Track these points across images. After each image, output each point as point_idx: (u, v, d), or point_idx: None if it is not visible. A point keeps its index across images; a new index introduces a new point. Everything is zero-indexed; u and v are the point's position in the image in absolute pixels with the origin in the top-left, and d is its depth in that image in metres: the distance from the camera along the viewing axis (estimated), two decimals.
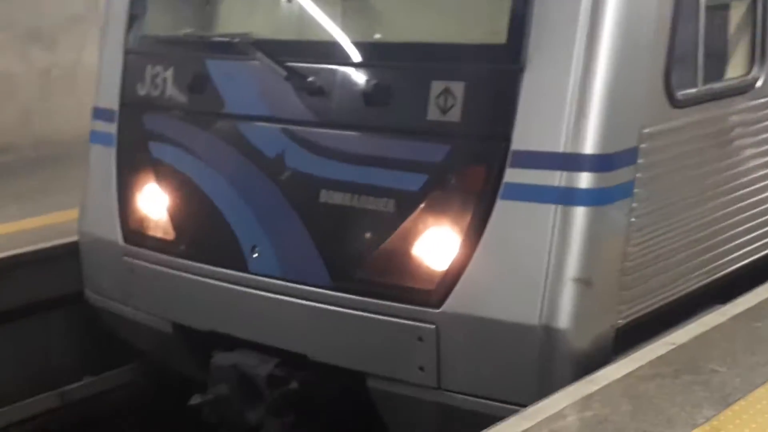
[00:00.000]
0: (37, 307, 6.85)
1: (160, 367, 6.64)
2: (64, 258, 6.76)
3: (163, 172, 6.00)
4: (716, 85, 5.43)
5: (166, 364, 6.47)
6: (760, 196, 5.83)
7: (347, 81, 5.32)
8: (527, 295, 4.66)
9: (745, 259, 5.77)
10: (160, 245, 5.98)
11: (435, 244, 4.92)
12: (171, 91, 6.06)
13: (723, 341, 4.88)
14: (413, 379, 4.95)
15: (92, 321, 6.75)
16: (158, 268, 5.97)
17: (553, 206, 4.64)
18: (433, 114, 4.96)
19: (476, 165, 4.88)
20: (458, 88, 4.90)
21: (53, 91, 9.91)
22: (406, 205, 5.00)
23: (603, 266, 4.73)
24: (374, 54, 5.39)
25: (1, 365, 6.70)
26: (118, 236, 6.19)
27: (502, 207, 4.75)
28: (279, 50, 5.56)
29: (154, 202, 6.03)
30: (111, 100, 6.39)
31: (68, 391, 6.94)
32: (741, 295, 5.49)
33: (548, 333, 4.61)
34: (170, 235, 5.93)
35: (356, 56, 5.35)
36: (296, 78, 5.39)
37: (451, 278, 4.84)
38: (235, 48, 5.73)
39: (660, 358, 4.67)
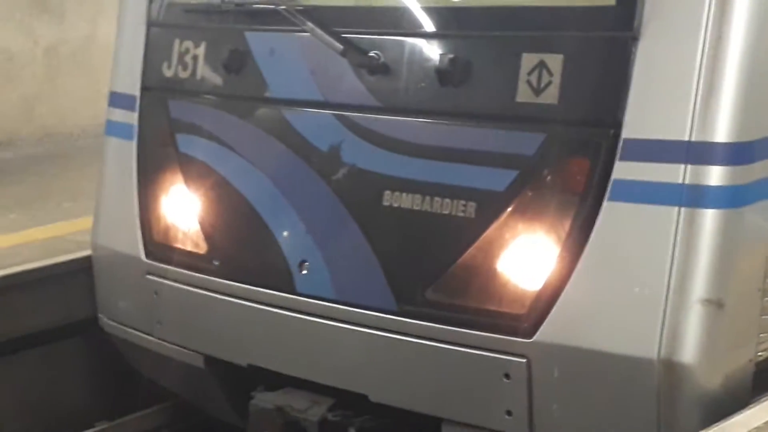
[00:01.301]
0: (41, 336, 6.92)
1: (190, 409, 6.66)
2: (74, 277, 6.82)
3: (194, 171, 6.03)
4: None
5: (197, 405, 6.50)
6: None
7: (417, 55, 5.30)
8: (643, 321, 4.58)
9: None
10: (189, 261, 6.01)
11: (526, 257, 4.87)
12: (203, 71, 6.09)
13: None
14: (499, 426, 4.91)
15: (107, 353, 6.80)
16: (188, 289, 6.00)
17: (675, 209, 4.56)
18: (524, 95, 4.91)
19: (578, 158, 4.82)
20: (555, 62, 4.85)
21: (61, 72, 9.98)
22: (490, 208, 4.96)
23: (740, 284, 4.64)
24: (451, 21, 5.38)
25: None
26: (139, 251, 6.22)
27: (610, 210, 4.68)
28: (334, 19, 5.57)
29: (182, 209, 6.07)
30: (131, 84, 6.46)
31: None
32: None
33: (670, 369, 4.51)
34: (202, 249, 5.96)
35: (428, 24, 5.33)
36: (355, 53, 5.38)
37: (546, 300, 4.78)
38: (281, 17, 5.71)
39: None
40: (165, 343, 6.17)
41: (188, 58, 6.12)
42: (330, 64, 5.49)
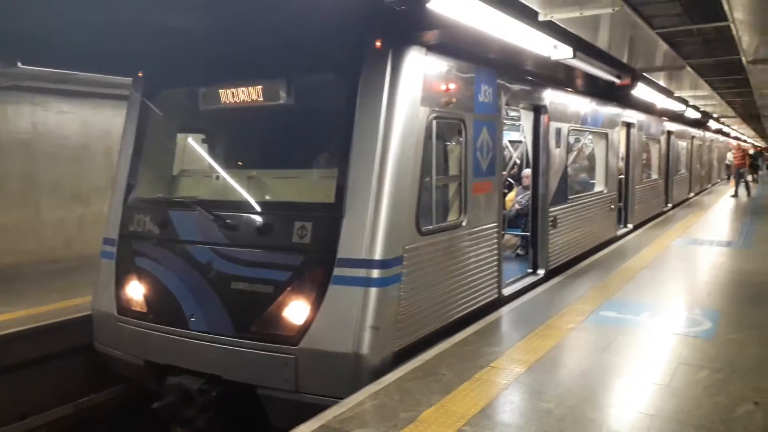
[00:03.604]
0: (66, 353, 6.23)
1: (137, 386, 6.03)
2: (83, 324, 6.12)
3: (142, 273, 5.61)
4: (443, 224, 5.52)
5: (140, 384, 5.90)
6: (467, 279, 5.87)
7: (249, 221, 5.16)
8: (345, 336, 4.55)
9: (461, 313, 5.78)
10: (138, 314, 5.55)
11: (295, 310, 4.77)
12: (149, 227, 5.73)
13: (448, 357, 4.92)
14: (282, 386, 4.72)
15: (98, 360, 6.13)
16: (136, 328, 5.53)
17: (360, 288, 4.60)
18: (295, 239, 4.87)
19: (318, 266, 4.76)
20: (309, 225, 4.86)
21: (85, 228, 9.38)
22: (280, 289, 4.83)
23: (385, 319, 4.67)
24: (264, 207, 5.26)
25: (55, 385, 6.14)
26: (114, 310, 5.73)
27: (332, 289, 4.67)
28: (210, 205, 5.40)
29: (135, 291, 5.62)
30: (114, 233, 5.99)
31: (83, 402, 6.36)
32: (460, 331, 5.56)
33: (357, 357, 4.51)
34: (144, 308, 5.53)
35: (254, 208, 5.24)
36: (219, 220, 5.24)
37: (304, 328, 4.68)
38: (186, 205, 5.54)
39: (416, 368, 4.66)
40: (125, 354, 5.65)
41: (142, 221, 5.78)
42: (207, 224, 5.28)
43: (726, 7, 4.83)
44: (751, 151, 25.78)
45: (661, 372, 4.63)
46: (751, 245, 10.62)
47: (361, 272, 4.61)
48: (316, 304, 4.68)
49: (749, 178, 22.07)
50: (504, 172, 10.08)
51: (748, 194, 20.57)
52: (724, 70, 9.56)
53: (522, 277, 7.58)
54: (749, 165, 22.50)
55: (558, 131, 7.99)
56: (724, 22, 5.64)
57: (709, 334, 5.55)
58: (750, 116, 22.54)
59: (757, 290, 7.26)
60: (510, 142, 12.50)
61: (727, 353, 5.03)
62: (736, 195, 20.52)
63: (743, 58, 7.77)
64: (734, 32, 5.92)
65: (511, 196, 10.03)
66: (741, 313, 6.29)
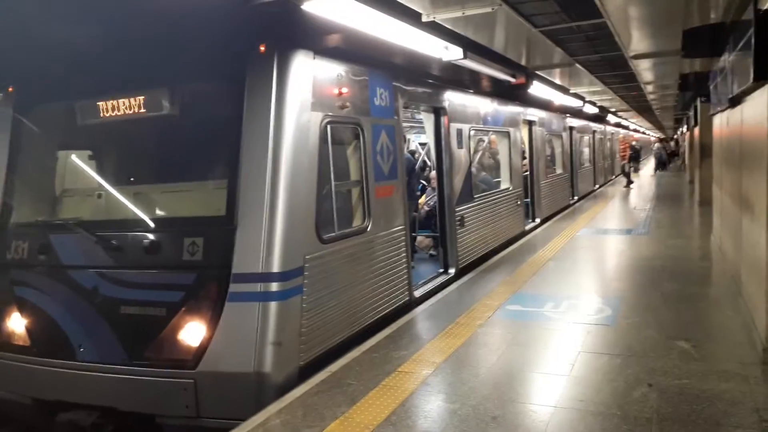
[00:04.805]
0: None
1: (25, 426, 5.53)
2: None
3: (23, 304, 5.18)
4: (346, 230, 5.43)
5: (28, 423, 5.41)
6: (375, 285, 5.80)
7: (135, 241, 4.87)
8: (246, 355, 4.35)
9: (371, 319, 5.70)
10: (20, 349, 5.11)
11: (191, 331, 4.52)
12: (28, 254, 5.31)
13: (356, 365, 4.83)
14: (183, 413, 4.46)
15: None
16: (20, 363, 5.08)
17: (257, 303, 4.42)
18: (186, 256, 4.65)
19: (212, 284, 4.54)
20: (200, 240, 4.65)
21: None
22: (173, 310, 4.58)
23: (288, 333, 4.52)
24: (151, 224, 4.98)
25: None
26: None
27: (229, 306, 4.46)
28: (93, 227, 5.07)
29: (16, 324, 5.18)
30: None
31: None
32: (370, 338, 5.48)
33: (259, 375, 4.32)
34: (27, 342, 5.10)
35: (140, 226, 4.96)
36: (103, 241, 4.92)
37: (201, 350, 4.45)
38: (67, 227, 5.17)
39: (322, 381, 4.55)
40: (10, 393, 5.15)
41: (20, 248, 5.36)
42: (91, 247, 4.95)
43: (599, 4, 5.03)
44: (633, 143, 27.24)
45: (563, 362, 4.73)
46: (649, 231, 11.21)
47: (258, 286, 4.45)
48: (213, 324, 4.46)
49: (628, 168, 23.16)
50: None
51: (626, 184, 21.65)
52: (610, 65, 10.02)
53: (433, 278, 7.62)
54: (629, 158, 23.89)
55: (459, 132, 8.10)
56: (600, 18, 5.88)
57: (610, 320, 5.75)
58: (643, 109, 23.92)
59: (655, 275, 7.62)
60: (421, 144, 12.64)
61: (626, 338, 5.23)
62: (630, 183, 21.72)
63: (625, 53, 8.17)
64: (611, 28, 6.21)
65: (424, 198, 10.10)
66: (640, 297, 6.58)
